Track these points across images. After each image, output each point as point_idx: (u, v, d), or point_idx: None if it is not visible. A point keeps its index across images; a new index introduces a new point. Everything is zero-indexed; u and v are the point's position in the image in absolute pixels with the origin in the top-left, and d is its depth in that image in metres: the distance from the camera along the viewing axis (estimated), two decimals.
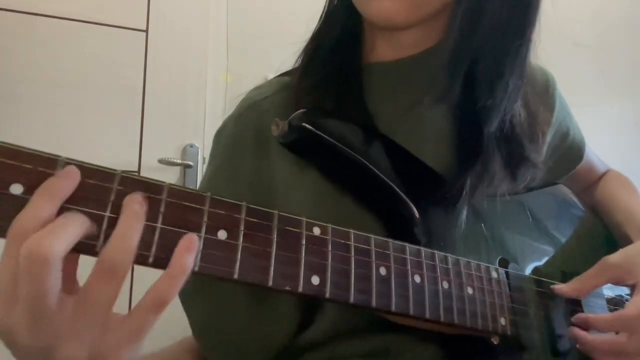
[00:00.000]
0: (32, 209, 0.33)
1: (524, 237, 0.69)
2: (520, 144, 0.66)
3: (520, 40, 0.62)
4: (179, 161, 1.62)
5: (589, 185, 0.91)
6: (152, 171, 1.60)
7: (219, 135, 0.69)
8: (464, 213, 0.61)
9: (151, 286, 0.37)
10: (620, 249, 0.68)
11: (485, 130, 0.63)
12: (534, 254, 0.69)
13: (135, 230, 0.36)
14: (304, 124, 0.56)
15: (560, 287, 0.65)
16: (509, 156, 0.65)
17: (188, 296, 0.64)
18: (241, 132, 0.65)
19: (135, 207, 0.37)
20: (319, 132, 0.56)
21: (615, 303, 0.72)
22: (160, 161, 1.59)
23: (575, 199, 0.84)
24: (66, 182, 0.35)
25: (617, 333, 0.62)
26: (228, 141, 0.67)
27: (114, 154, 1.57)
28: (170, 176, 1.62)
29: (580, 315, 0.64)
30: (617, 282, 0.67)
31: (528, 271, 0.67)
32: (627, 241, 0.76)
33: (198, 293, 0.62)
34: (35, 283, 0.32)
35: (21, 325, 0.33)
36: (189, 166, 1.63)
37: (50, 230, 0.33)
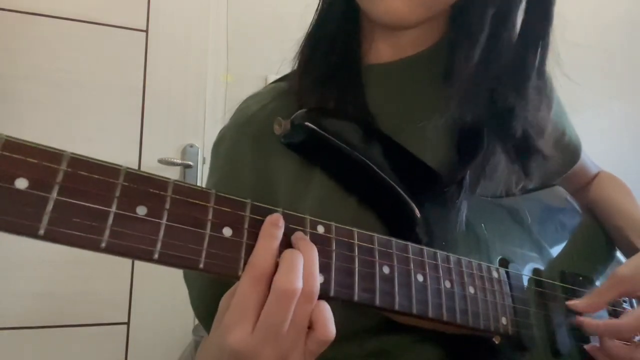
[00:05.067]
0: (267, 252, 0.42)
1: (518, 244, 0.69)
2: (527, 137, 0.66)
3: (535, 44, 0.64)
4: (179, 161, 1.62)
5: (582, 186, 0.91)
6: (152, 171, 1.59)
7: (217, 148, 0.69)
8: (464, 211, 0.61)
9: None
10: (628, 260, 0.67)
11: (485, 127, 0.63)
12: (525, 260, 0.69)
13: (317, 259, 0.44)
14: (306, 123, 0.56)
15: (575, 304, 0.64)
16: (516, 151, 0.65)
17: (192, 277, 0.65)
18: (239, 144, 0.65)
19: (306, 242, 0.45)
20: (321, 131, 0.56)
21: (613, 304, 0.72)
22: (160, 161, 1.59)
23: (563, 204, 0.84)
24: (281, 230, 0.43)
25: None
26: (227, 154, 0.66)
27: (114, 154, 1.57)
28: (170, 176, 1.60)
29: (579, 318, 0.64)
30: (629, 295, 0.66)
31: (525, 272, 0.67)
32: (629, 247, 0.76)
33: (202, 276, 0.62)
34: (283, 314, 0.41)
35: (265, 346, 0.41)
36: (188, 166, 1.63)
37: (290, 271, 0.41)
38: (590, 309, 0.64)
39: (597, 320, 0.64)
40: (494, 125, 0.63)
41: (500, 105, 0.63)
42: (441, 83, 0.65)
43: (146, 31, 1.66)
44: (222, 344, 0.42)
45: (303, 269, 0.42)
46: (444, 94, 0.63)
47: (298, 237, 0.45)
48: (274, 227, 0.43)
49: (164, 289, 1.52)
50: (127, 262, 1.51)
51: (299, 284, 0.41)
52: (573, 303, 0.64)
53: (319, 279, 0.43)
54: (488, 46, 0.61)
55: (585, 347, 0.65)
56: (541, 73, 0.66)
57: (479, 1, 0.61)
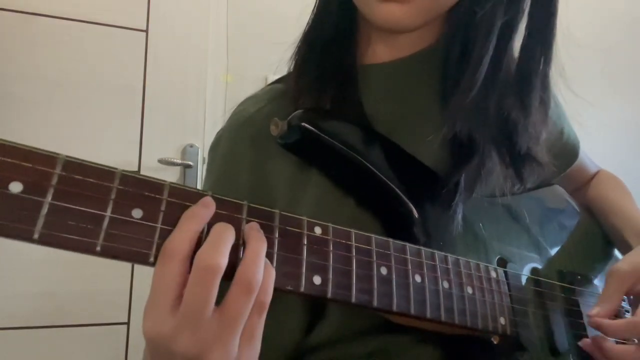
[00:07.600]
0: (182, 231, 0.38)
1: (515, 244, 0.69)
2: (521, 143, 0.66)
3: (539, 55, 0.64)
4: (179, 161, 1.62)
5: (581, 185, 0.91)
6: (152, 171, 1.60)
7: (214, 150, 0.69)
8: (460, 212, 0.60)
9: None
10: (624, 257, 0.68)
11: (479, 129, 0.63)
12: (523, 260, 0.69)
13: (262, 250, 0.41)
14: (303, 124, 0.56)
15: (596, 314, 0.62)
16: (510, 155, 0.65)
17: None
18: (236, 146, 0.65)
19: (258, 233, 0.42)
20: (318, 132, 0.56)
21: None
22: (160, 161, 1.59)
23: (563, 205, 0.84)
24: (208, 211, 0.40)
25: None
26: (224, 156, 0.66)
27: (114, 154, 1.57)
28: (170, 176, 1.62)
29: (590, 321, 0.64)
30: (630, 292, 0.65)
31: (523, 272, 0.67)
32: (626, 246, 0.76)
33: None
34: (204, 292, 0.37)
35: (182, 331, 0.37)
36: (188, 166, 1.63)
37: (214, 246, 0.38)
38: (610, 314, 0.63)
39: (615, 320, 0.63)
40: (492, 133, 0.63)
41: (503, 116, 0.63)
42: (437, 84, 0.65)
43: (146, 31, 1.66)
44: (143, 333, 0.39)
45: (245, 256, 0.40)
46: (442, 103, 0.63)
47: (251, 226, 0.42)
48: (202, 207, 0.40)
49: None
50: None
51: (222, 261, 0.38)
52: (595, 313, 0.62)
53: (261, 272, 0.40)
54: (494, 58, 0.61)
55: (579, 343, 0.64)
56: (545, 84, 0.66)
57: (484, 20, 0.60)
